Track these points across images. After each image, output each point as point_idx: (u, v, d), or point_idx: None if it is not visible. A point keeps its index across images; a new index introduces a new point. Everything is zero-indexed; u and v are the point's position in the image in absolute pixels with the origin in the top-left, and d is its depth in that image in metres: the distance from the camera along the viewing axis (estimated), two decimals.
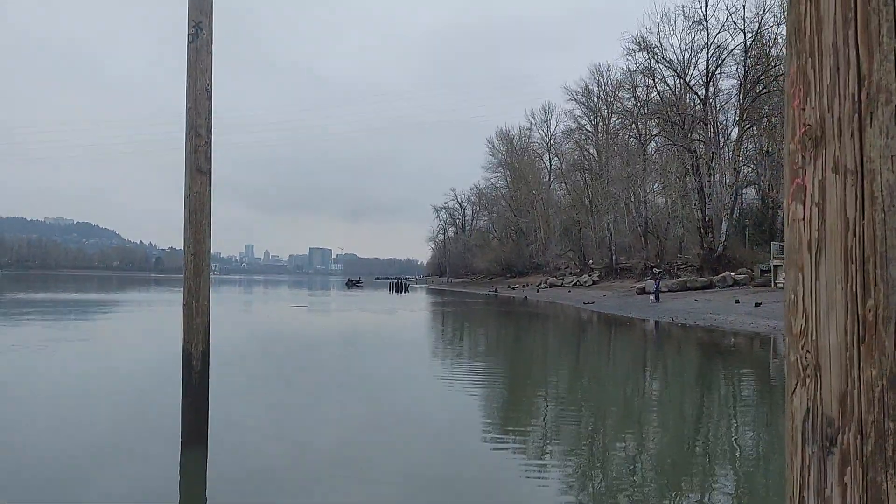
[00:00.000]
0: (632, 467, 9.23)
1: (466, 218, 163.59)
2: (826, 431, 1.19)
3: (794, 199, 1.25)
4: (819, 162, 1.20)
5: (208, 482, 8.06)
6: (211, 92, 9.29)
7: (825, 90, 1.19)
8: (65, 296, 61.04)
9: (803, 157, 1.23)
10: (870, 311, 1.13)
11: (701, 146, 63.56)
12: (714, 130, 64.88)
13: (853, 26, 1.15)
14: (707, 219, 61.16)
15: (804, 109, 1.23)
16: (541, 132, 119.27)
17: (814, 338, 1.21)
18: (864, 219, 1.14)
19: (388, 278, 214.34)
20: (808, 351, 1.22)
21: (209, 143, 9.27)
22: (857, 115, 1.15)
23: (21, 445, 9.25)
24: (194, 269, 9.17)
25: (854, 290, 1.15)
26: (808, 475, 1.23)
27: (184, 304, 9.27)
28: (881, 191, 1.12)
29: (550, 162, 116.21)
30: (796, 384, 1.25)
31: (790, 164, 1.26)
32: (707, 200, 60.98)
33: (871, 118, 1.13)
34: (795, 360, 1.25)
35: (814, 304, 1.21)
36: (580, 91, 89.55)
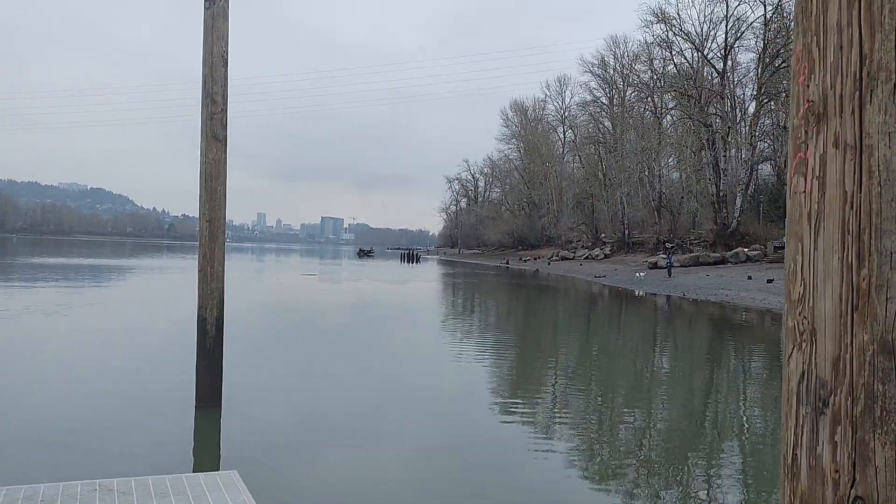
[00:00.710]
0: (639, 439, 9.35)
1: (479, 189, 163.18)
2: (819, 393, 1.26)
3: (796, 173, 1.31)
4: (821, 137, 1.26)
5: (222, 443, 8.25)
6: (227, 59, 9.32)
7: (828, 68, 1.25)
8: (78, 261, 61.60)
9: (806, 132, 1.29)
10: (863, 279, 1.19)
11: (717, 120, 63.01)
12: (731, 105, 64.30)
13: (857, 6, 1.20)
14: (721, 194, 60.79)
15: (808, 86, 1.28)
16: (555, 104, 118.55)
17: (810, 304, 1.27)
18: (861, 192, 1.19)
19: (399, 249, 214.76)
20: (804, 317, 1.29)
21: (225, 111, 9.32)
22: (857, 92, 1.20)
23: (38, 405, 9.45)
24: (209, 236, 9.28)
25: (849, 259, 1.21)
26: (802, 434, 1.30)
27: (199, 270, 9.40)
28: (878, 165, 1.18)
29: (564, 134, 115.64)
30: (793, 348, 1.32)
31: (793, 139, 1.32)
32: (722, 175, 60.57)
33: (871, 96, 1.19)
34: (793, 326, 1.32)
35: (811, 273, 1.27)
36: (596, 63, 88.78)
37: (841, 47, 1.22)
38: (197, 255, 9.52)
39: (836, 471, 1.23)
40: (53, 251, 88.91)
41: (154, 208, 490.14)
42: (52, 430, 8.30)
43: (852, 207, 1.20)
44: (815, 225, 1.26)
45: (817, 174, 1.26)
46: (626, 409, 11.07)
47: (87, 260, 64.34)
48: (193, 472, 6.63)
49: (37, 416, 8.92)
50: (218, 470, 6.47)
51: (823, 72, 1.26)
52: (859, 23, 1.20)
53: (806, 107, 1.29)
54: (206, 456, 7.80)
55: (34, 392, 10.27)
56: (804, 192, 1.29)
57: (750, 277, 40.02)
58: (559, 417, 10.35)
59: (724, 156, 61.29)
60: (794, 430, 1.32)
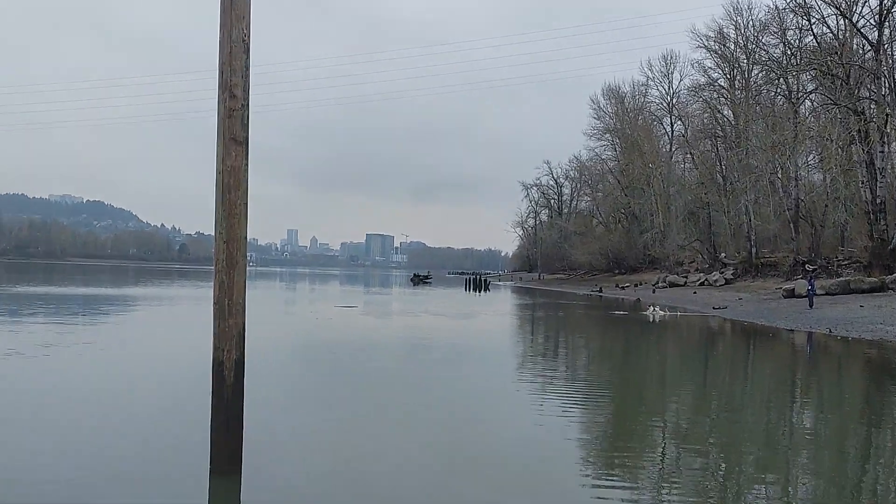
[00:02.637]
0: None
1: (563, 198, 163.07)
2: None
3: None
4: None
5: None
6: (249, 44, 9.49)
7: None
8: (72, 290, 63.48)
9: None
10: None
11: (872, 106, 61.52)
12: (889, 86, 62.71)
13: None
14: (878, 201, 59.21)
15: None
16: (660, 89, 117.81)
17: None
18: None
19: (463, 273, 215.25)
20: None
21: (246, 107, 9.48)
22: None
23: (26, 471, 9.69)
24: (227, 260, 9.41)
25: None
26: None
27: (214, 303, 9.53)
28: None
29: (672, 127, 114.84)
30: None
31: None
32: (879, 177, 59.02)
33: None
34: None
35: None
36: (712, 36, 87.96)
37: None
38: (212, 284, 9.66)
39: None
40: (42, 278, 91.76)
41: (162, 225, 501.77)
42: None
43: None
44: None
45: None
46: (755, 481, 10.79)
47: (82, 289, 66.26)
48: None
49: (22, 485, 9.14)
50: None
51: None
52: None
53: None
54: None
55: (15, 454, 10.54)
56: None
57: None
58: (668, 489, 10.14)
59: (882, 152, 59.72)
60: None
